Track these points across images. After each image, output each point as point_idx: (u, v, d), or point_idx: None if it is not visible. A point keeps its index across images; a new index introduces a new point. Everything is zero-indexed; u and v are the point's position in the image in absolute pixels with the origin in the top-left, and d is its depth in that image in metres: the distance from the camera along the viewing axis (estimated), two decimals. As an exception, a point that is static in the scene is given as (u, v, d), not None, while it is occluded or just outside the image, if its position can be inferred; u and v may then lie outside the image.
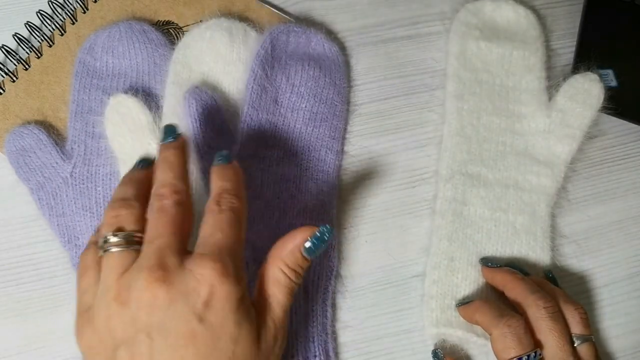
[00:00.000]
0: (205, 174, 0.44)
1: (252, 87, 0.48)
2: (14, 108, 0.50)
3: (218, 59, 0.50)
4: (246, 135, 0.46)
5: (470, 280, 0.45)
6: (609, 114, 0.52)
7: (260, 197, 0.45)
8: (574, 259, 0.48)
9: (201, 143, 0.45)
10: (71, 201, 0.46)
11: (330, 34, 0.54)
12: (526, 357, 0.37)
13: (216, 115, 0.46)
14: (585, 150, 0.51)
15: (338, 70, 0.52)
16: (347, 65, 0.53)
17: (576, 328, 0.40)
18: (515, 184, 0.48)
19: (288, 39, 0.51)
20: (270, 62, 0.49)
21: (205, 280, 0.29)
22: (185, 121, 0.46)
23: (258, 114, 0.48)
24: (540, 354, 0.38)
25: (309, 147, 0.48)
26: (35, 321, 0.44)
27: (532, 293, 0.40)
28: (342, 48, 0.54)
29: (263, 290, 0.34)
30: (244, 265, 0.33)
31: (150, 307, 0.29)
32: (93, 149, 0.47)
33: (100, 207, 0.45)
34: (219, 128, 0.46)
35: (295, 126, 0.48)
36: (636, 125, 0.52)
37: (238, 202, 0.34)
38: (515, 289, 0.41)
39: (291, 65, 0.50)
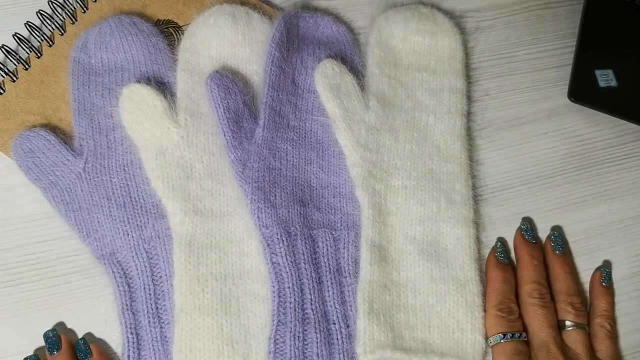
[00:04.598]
0: (231, 155, 0.46)
1: (271, 68, 0.49)
2: (15, 108, 0.50)
3: (224, 42, 0.51)
4: (269, 116, 0.48)
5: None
6: (609, 114, 0.52)
7: (286, 176, 0.46)
8: (575, 259, 0.48)
9: (225, 126, 0.47)
10: (87, 195, 0.46)
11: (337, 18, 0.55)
12: (510, 335, 0.42)
13: (238, 98, 0.48)
14: (585, 151, 0.51)
15: (349, 50, 0.53)
16: (356, 43, 0.54)
17: (567, 315, 0.43)
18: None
19: (298, 24, 0.52)
20: (285, 44, 0.50)
21: None
22: (208, 106, 0.48)
23: (278, 94, 0.49)
24: (524, 336, 0.42)
25: (329, 126, 0.49)
26: (36, 321, 0.44)
27: (528, 282, 0.44)
28: (350, 27, 0.55)
29: None
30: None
31: None
32: (102, 142, 0.48)
33: (118, 197, 0.46)
34: (242, 110, 0.48)
35: (313, 106, 0.50)
36: (636, 125, 0.52)
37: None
38: (520, 271, 0.45)
39: (303, 49, 0.52)
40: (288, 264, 0.43)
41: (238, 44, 0.51)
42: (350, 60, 0.53)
